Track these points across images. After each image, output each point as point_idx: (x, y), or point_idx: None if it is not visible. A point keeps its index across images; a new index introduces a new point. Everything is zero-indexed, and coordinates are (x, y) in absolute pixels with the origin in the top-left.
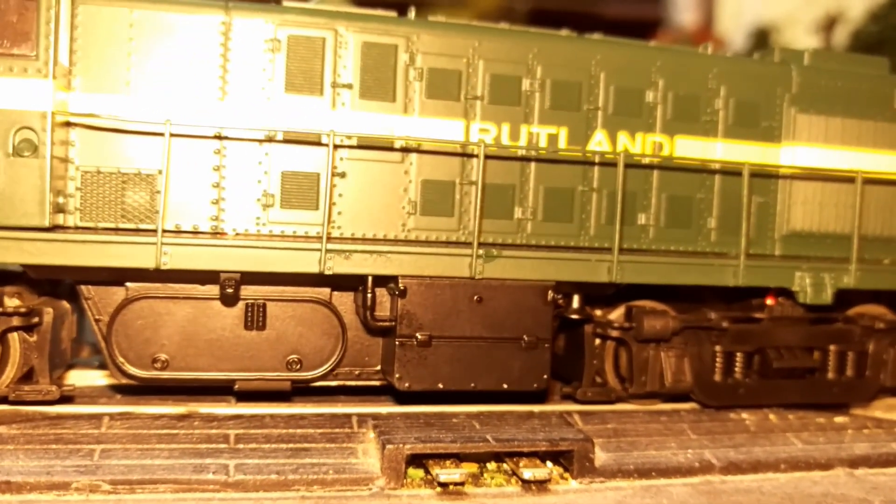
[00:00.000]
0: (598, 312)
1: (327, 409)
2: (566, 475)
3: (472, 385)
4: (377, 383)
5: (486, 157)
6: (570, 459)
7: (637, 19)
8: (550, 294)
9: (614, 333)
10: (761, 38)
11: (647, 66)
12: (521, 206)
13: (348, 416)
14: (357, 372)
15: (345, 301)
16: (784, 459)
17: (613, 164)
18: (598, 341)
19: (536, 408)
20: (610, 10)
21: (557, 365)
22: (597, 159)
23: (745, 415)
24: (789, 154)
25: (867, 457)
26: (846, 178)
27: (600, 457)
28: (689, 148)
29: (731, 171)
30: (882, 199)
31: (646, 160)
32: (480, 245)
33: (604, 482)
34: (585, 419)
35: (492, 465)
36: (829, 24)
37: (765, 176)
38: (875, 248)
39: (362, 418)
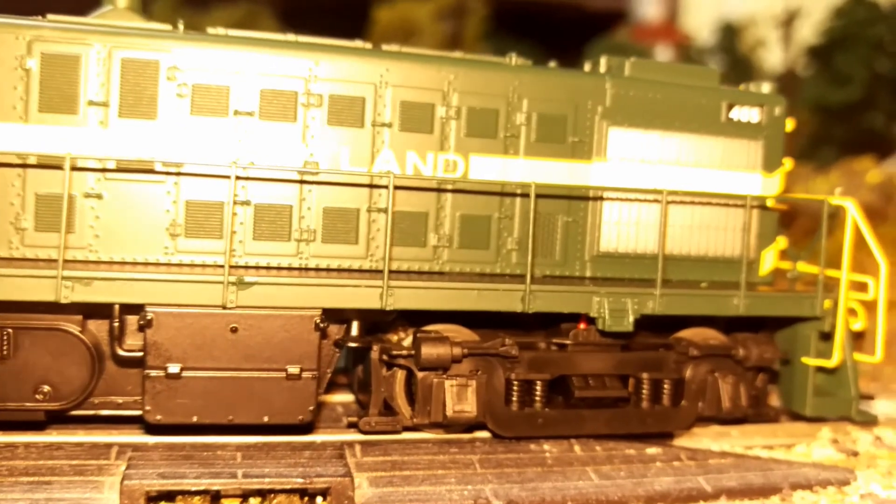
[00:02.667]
0: (396, 337)
1: (91, 437)
2: None
3: (230, 418)
4: (137, 413)
5: (237, 177)
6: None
7: (602, 11)
8: (317, 322)
9: (400, 361)
10: (728, 34)
11: (441, 79)
12: (299, 227)
13: (109, 446)
14: (120, 401)
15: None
16: (572, 496)
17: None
18: (393, 369)
19: (320, 437)
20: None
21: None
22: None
23: (547, 446)
24: (600, 171)
25: (667, 492)
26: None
27: (366, 493)
28: (486, 166)
29: (525, 193)
30: (706, 218)
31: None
32: (234, 269)
33: None
34: (367, 450)
35: (255, 501)
36: (787, 20)
37: (570, 198)
38: (698, 269)
39: (123, 449)
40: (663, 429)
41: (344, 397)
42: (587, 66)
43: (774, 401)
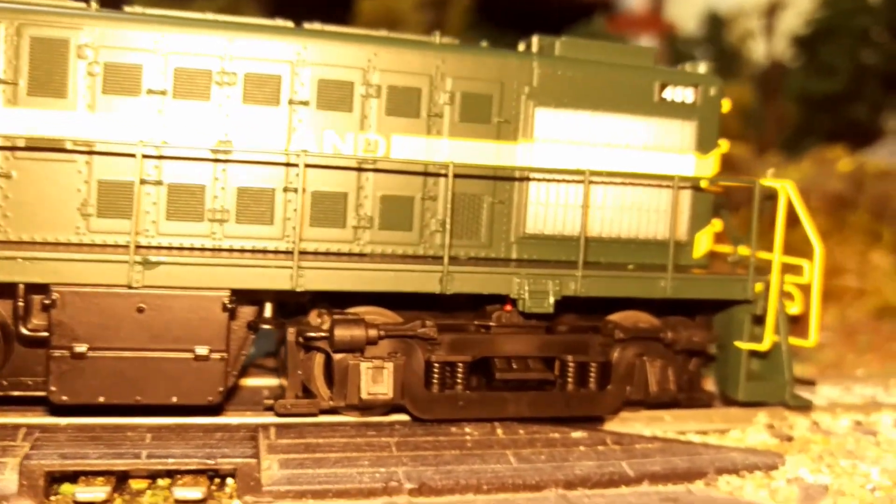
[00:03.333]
0: (319, 320)
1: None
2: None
3: (138, 398)
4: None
5: (145, 156)
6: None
7: (589, 0)
8: (224, 302)
9: (318, 343)
10: (714, 25)
11: (360, 57)
12: (213, 207)
13: (18, 427)
14: (29, 382)
15: None
16: (488, 480)
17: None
18: (311, 352)
19: (237, 420)
20: None
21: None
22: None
23: (468, 429)
24: (526, 152)
25: (587, 477)
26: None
27: (275, 475)
28: (408, 146)
29: (444, 173)
30: (636, 200)
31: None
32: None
33: (270, 503)
34: (282, 433)
35: (163, 482)
36: (770, 10)
37: (496, 178)
38: (629, 251)
39: (31, 430)
40: (589, 412)
41: (272, 381)
42: (521, 47)
43: (711, 386)
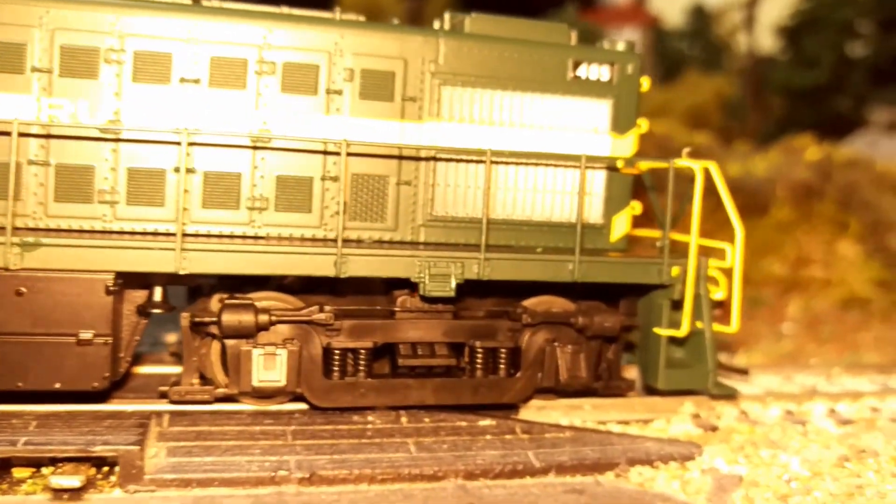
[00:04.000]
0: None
1: None
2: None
3: (20, 384)
4: None
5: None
6: None
7: None
8: (108, 285)
9: (212, 329)
10: (699, 18)
11: (255, 34)
12: (110, 187)
13: None
14: None
15: None
16: (384, 469)
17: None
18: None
19: (131, 407)
20: None
21: None
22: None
23: (372, 417)
24: (433, 132)
25: (489, 467)
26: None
27: (160, 462)
28: (307, 125)
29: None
30: (549, 182)
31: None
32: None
33: (153, 491)
34: (175, 420)
35: (47, 470)
36: (751, 2)
37: (401, 158)
38: (542, 234)
39: None
40: (497, 400)
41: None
42: (436, 24)
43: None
